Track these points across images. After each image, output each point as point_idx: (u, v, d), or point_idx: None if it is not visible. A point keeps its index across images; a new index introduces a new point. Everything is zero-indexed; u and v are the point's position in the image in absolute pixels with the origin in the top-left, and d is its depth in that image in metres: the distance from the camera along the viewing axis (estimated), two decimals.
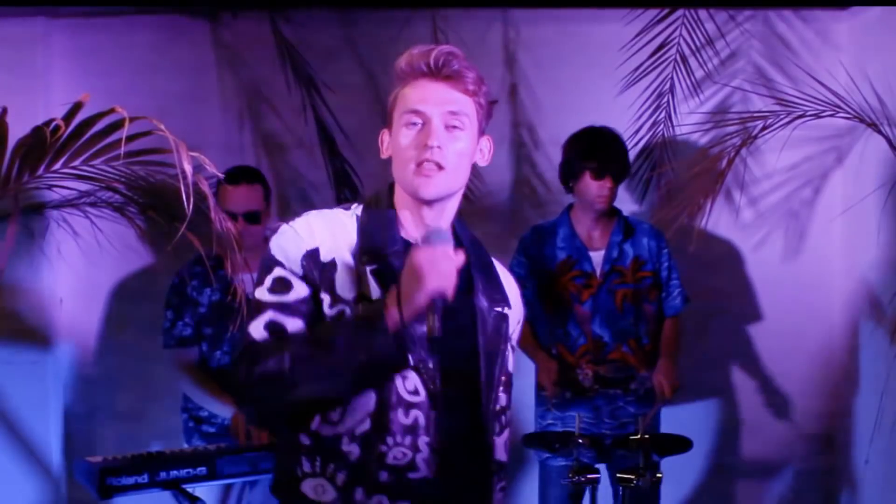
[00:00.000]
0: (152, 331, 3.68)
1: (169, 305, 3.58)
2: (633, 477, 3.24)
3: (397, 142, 1.98)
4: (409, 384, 1.94)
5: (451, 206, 2.03)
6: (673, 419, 3.83)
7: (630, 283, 3.72)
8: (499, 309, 2.04)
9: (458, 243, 2.02)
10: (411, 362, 1.93)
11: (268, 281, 1.96)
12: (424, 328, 1.87)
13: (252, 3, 4.17)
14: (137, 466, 2.98)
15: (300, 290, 1.94)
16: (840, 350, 4.33)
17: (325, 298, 1.94)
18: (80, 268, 4.01)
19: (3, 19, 4.02)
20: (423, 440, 1.95)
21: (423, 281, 1.82)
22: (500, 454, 2.06)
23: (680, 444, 3.38)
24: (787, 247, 4.32)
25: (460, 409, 1.98)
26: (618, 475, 3.31)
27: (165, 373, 3.66)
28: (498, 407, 2.04)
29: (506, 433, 2.07)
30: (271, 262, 1.97)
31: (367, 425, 1.93)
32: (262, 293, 1.97)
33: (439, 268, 1.83)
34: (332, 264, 1.94)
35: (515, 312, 2.11)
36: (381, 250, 1.96)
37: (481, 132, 2.04)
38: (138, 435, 4.22)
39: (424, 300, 1.83)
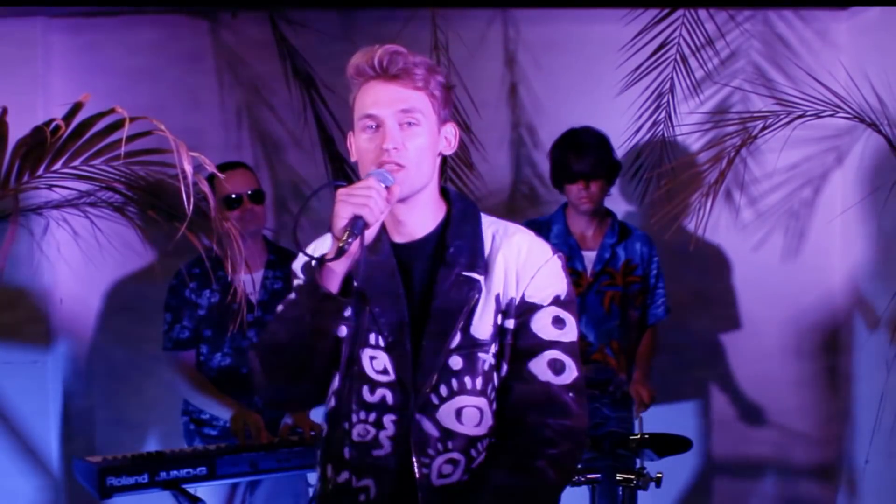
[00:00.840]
0: (152, 331, 3.67)
1: (167, 308, 3.57)
2: (633, 477, 3.24)
3: (358, 146, 2.03)
4: (378, 364, 2.02)
5: (425, 199, 2.06)
6: (671, 419, 3.83)
7: (619, 285, 3.73)
8: (469, 274, 2.02)
9: (448, 213, 2.08)
10: (381, 343, 2.01)
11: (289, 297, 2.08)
12: (395, 316, 2.00)
13: (252, 3, 4.17)
14: (137, 466, 2.98)
15: None
16: (840, 349, 4.33)
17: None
18: (80, 268, 4.01)
19: (3, 19, 4.02)
20: (389, 418, 2.00)
21: (337, 207, 1.90)
22: (449, 421, 2.00)
23: (680, 445, 3.38)
24: (786, 247, 4.32)
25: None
26: (618, 475, 3.31)
27: (165, 374, 3.66)
28: (452, 369, 2.00)
29: (460, 399, 2.00)
30: (294, 281, 2.13)
31: (332, 402, 2.05)
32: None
33: (354, 195, 1.90)
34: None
35: (493, 280, 2.04)
36: (370, 255, 2.04)
37: (442, 121, 2.06)
38: (138, 435, 4.23)
39: (341, 223, 1.89)
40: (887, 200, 3.87)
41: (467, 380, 2.01)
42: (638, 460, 3.28)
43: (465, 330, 2.01)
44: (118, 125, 2.66)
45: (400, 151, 1.97)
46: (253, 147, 4.26)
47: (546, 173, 4.21)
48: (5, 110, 2.79)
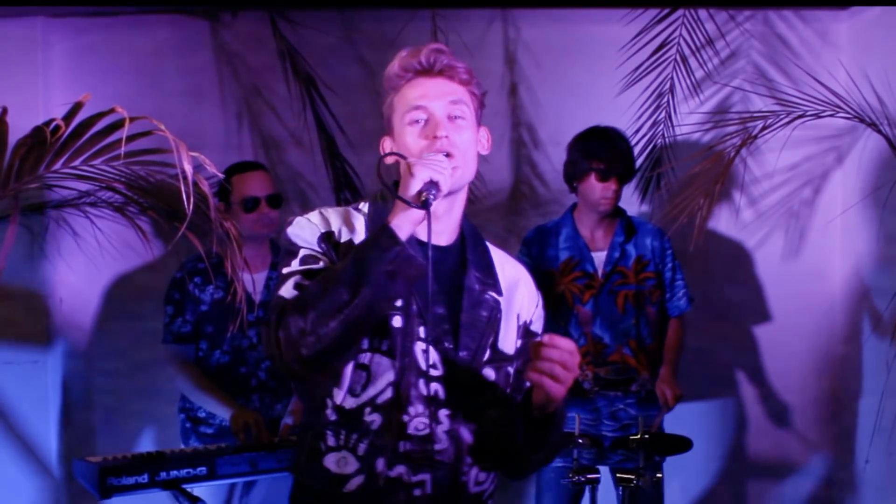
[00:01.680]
0: (152, 331, 3.67)
1: (170, 301, 3.56)
2: (633, 477, 3.24)
3: (403, 142, 2.02)
4: (430, 358, 2.01)
5: (460, 202, 2.08)
6: (675, 420, 3.83)
7: (632, 284, 3.69)
8: (490, 293, 2.08)
9: (461, 230, 2.12)
10: (422, 334, 1.98)
11: (295, 262, 1.99)
12: (440, 311, 1.99)
13: (252, 3, 4.17)
14: (137, 466, 2.98)
15: (323, 261, 1.99)
16: (840, 350, 4.33)
17: None
18: (80, 268, 4.01)
19: (3, 19, 4.02)
20: (443, 412, 2.01)
21: (414, 170, 1.88)
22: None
23: (680, 445, 3.38)
24: (787, 246, 4.32)
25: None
26: (618, 475, 3.31)
27: (165, 373, 3.66)
28: (488, 379, 2.05)
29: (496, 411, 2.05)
30: (294, 248, 2.02)
31: (388, 394, 1.98)
32: (288, 266, 2.00)
33: (431, 161, 1.90)
34: (349, 245, 2.00)
35: (514, 301, 2.12)
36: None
37: (478, 123, 2.09)
38: (138, 435, 4.23)
39: (417, 185, 1.86)
40: (887, 200, 3.87)
41: (499, 391, 2.07)
42: (642, 459, 3.27)
43: (494, 345, 2.07)
44: (118, 125, 2.65)
45: (451, 140, 1.99)
46: (253, 147, 4.26)
47: (546, 173, 4.22)
48: (5, 110, 2.78)
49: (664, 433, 3.58)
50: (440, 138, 1.98)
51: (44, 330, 4.13)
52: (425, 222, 1.90)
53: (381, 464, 1.98)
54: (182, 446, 3.55)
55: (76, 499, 4.12)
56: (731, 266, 4.35)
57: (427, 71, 2.04)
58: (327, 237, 2.01)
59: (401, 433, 1.98)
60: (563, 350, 1.83)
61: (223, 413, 3.41)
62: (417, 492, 1.99)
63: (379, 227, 1.90)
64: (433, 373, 2.00)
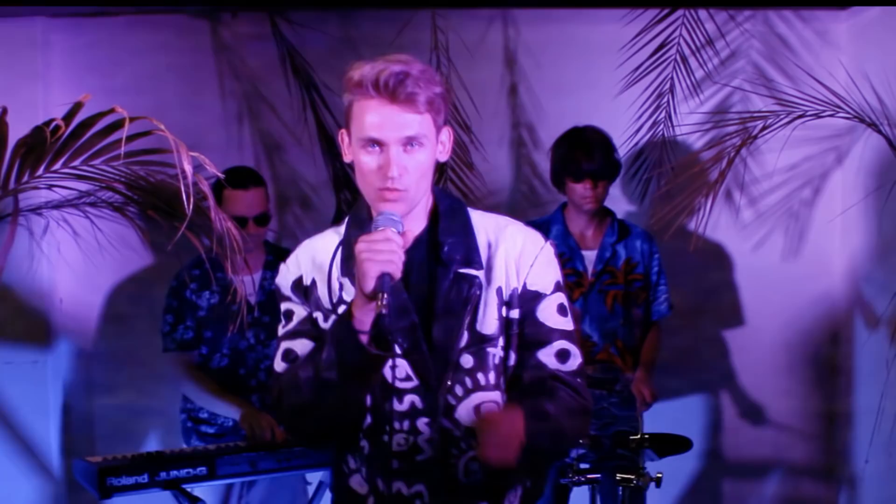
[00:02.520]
0: (152, 330, 3.68)
1: (168, 309, 3.58)
2: (633, 477, 3.24)
3: (358, 159, 2.00)
4: (400, 371, 2.01)
5: (420, 207, 2.06)
6: (672, 419, 3.83)
7: (621, 284, 3.71)
8: (466, 271, 2.03)
9: (435, 212, 2.08)
10: (398, 351, 2.00)
11: (281, 318, 2.11)
12: (406, 322, 1.99)
13: (252, 3, 4.17)
14: (137, 466, 2.98)
15: (300, 313, 2.08)
16: (839, 350, 4.33)
17: (318, 316, 2.06)
18: (80, 268, 4.01)
19: (3, 19, 4.01)
20: (422, 422, 2.02)
21: (363, 267, 1.88)
22: (468, 419, 2.02)
23: (680, 444, 3.38)
24: (786, 247, 4.32)
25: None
26: (618, 475, 3.31)
27: (166, 373, 3.66)
28: (464, 367, 2.02)
29: (476, 396, 2.03)
30: (278, 299, 2.13)
31: (368, 419, 2.04)
32: (279, 330, 2.12)
33: (378, 251, 1.88)
34: (313, 285, 2.07)
35: (493, 273, 2.05)
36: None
37: (440, 127, 2.04)
38: (138, 435, 4.22)
39: (370, 284, 1.88)
40: (887, 200, 3.87)
41: (480, 376, 2.04)
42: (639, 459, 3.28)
43: (472, 327, 2.03)
44: (118, 125, 2.66)
45: (403, 177, 1.96)
46: (253, 147, 4.26)
47: (546, 173, 4.21)
48: (5, 110, 2.79)
49: (661, 433, 3.59)
50: (392, 178, 1.95)
51: (44, 330, 4.13)
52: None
53: (381, 483, 2.04)
54: (183, 446, 3.56)
55: (76, 499, 4.11)
56: (731, 265, 4.34)
57: (386, 96, 1.95)
58: (297, 284, 2.09)
59: (388, 452, 2.02)
60: (501, 434, 1.87)
61: (234, 414, 3.42)
62: (417, 503, 2.03)
63: (341, 323, 1.93)
64: (407, 385, 2.01)
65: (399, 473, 2.03)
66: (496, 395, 2.05)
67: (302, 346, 2.04)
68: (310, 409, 1.99)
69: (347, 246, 2.03)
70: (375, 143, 1.97)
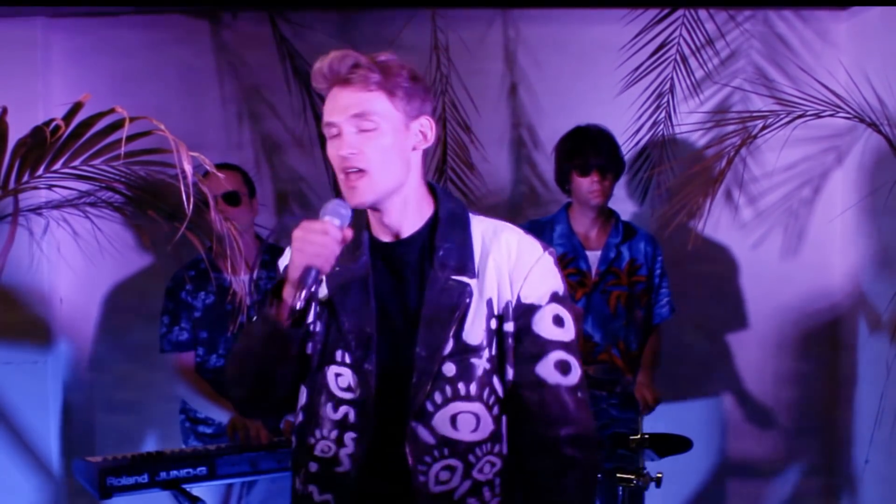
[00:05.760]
0: (152, 330, 3.67)
1: (165, 311, 3.58)
2: (633, 477, 3.24)
3: (328, 150, 2.02)
4: (343, 381, 2.01)
5: (406, 197, 2.03)
6: (673, 420, 3.83)
7: (625, 285, 3.71)
8: (459, 278, 2.00)
9: (434, 217, 2.06)
10: (347, 360, 2.01)
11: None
12: (364, 332, 1.98)
13: (252, 3, 4.17)
14: (137, 466, 2.98)
15: None
16: (839, 350, 4.33)
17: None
18: (80, 268, 4.01)
19: (3, 19, 4.02)
20: (349, 436, 2.00)
21: (293, 255, 1.91)
22: (444, 428, 1.98)
23: (680, 444, 3.38)
24: (786, 246, 4.32)
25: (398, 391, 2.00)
26: (618, 475, 3.31)
27: (165, 373, 3.66)
28: (446, 376, 1.99)
29: (455, 405, 1.99)
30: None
31: (300, 417, 2.07)
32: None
33: (309, 241, 1.90)
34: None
35: (486, 284, 2.01)
36: (351, 251, 2.04)
37: (412, 116, 2.01)
38: (138, 435, 4.23)
39: (296, 273, 1.90)
40: (887, 200, 3.87)
41: (461, 386, 1.99)
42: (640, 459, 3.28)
43: (458, 336, 1.99)
44: (118, 125, 2.66)
45: (358, 156, 1.96)
46: (253, 147, 4.26)
47: (546, 173, 4.22)
48: (5, 110, 2.79)
49: (661, 433, 3.59)
50: (345, 157, 1.96)
51: (44, 330, 4.13)
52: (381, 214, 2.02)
53: (298, 482, 2.08)
54: (182, 446, 3.56)
55: (76, 499, 4.11)
56: (731, 264, 4.34)
57: (335, 81, 1.98)
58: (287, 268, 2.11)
59: (310, 454, 2.04)
60: None
61: (222, 416, 3.42)
62: None
63: (265, 296, 1.99)
64: (346, 396, 2.01)
65: (315, 478, 2.04)
66: (476, 407, 2.00)
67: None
68: (238, 374, 2.04)
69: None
70: (332, 127, 1.98)
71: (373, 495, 2.01)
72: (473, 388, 1.99)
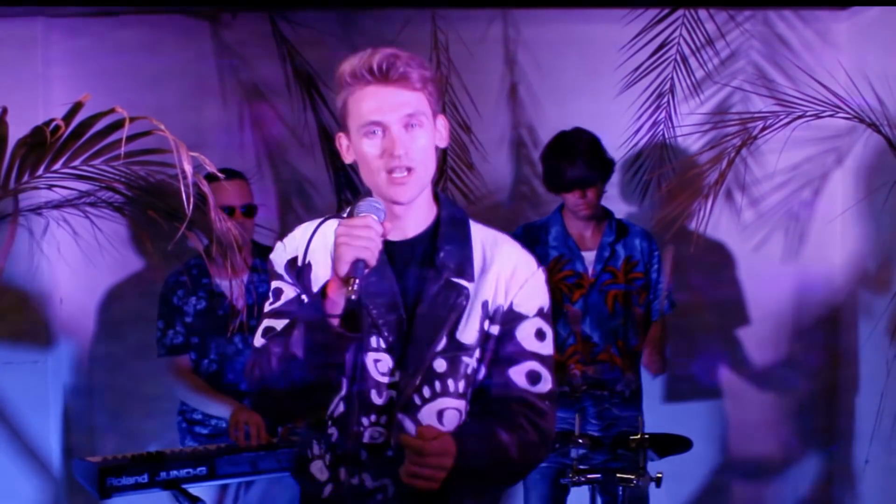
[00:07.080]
0: (152, 330, 3.67)
1: (160, 315, 3.60)
2: (633, 477, 3.24)
3: (361, 151, 2.04)
4: (383, 366, 2.04)
5: (424, 196, 2.08)
6: (673, 419, 3.83)
7: (622, 283, 3.70)
8: (458, 280, 2.05)
9: (438, 216, 2.10)
10: (382, 345, 2.02)
11: (270, 295, 2.12)
12: (394, 316, 2.01)
13: (252, 3, 4.17)
14: (137, 466, 2.98)
15: (289, 294, 2.09)
16: (840, 350, 4.33)
17: (305, 298, 2.06)
18: (80, 268, 4.01)
19: (3, 19, 4.01)
20: (402, 417, 2.03)
21: (339, 251, 1.91)
22: (430, 422, 2.02)
23: (680, 444, 3.38)
24: (787, 247, 4.32)
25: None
26: (618, 475, 3.31)
27: (165, 374, 3.66)
28: (436, 371, 2.04)
29: (442, 401, 2.04)
30: (271, 276, 2.14)
31: (341, 408, 2.05)
32: (265, 307, 2.12)
33: (356, 236, 1.91)
34: (308, 266, 2.05)
35: (483, 287, 2.07)
36: None
37: (435, 115, 2.08)
38: (138, 435, 4.22)
39: (344, 269, 1.90)
40: (887, 200, 3.87)
41: (450, 382, 2.05)
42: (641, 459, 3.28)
43: (452, 335, 2.05)
44: (118, 125, 2.66)
45: (409, 154, 1.99)
46: (254, 146, 4.26)
47: None
48: (5, 110, 2.79)
49: (661, 433, 3.59)
50: (398, 156, 1.98)
51: (44, 330, 4.13)
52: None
53: (343, 473, 2.06)
54: (180, 446, 3.56)
55: (76, 499, 4.11)
56: (732, 265, 4.34)
57: (380, 79, 2.00)
58: (292, 264, 2.08)
59: (358, 443, 2.04)
60: (427, 454, 1.87)
61: (224, 413, 3.42)
62: (380, 496, 2.04)
63: (313, 303, 1.96)
64: (386, 380, 2.03)
65: (367, 465, 2.04)
66: (461, 404, 2.06)
67: (283, 325, 2.05)
68: (275, 384, 2.00)
69: None
70: (377, 126, 2.00)
71: None
72: (461, 385, 2.06)
